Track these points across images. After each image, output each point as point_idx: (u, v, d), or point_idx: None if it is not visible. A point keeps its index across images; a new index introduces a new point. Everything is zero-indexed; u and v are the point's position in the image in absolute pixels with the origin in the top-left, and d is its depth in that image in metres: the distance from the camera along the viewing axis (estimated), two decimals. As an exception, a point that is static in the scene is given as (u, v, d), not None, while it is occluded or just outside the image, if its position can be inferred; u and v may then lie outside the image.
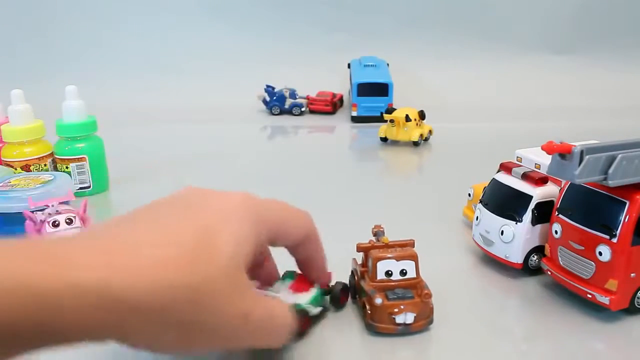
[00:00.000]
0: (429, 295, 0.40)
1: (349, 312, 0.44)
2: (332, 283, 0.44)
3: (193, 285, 0.28)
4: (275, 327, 0.34)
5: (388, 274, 0.41)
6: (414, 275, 0.41)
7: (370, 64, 1.18)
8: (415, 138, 0.92)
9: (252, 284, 0.34)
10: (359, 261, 0.45)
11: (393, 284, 0.41)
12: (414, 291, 0.41)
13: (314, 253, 0.41)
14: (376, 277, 0.41)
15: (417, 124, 0.93)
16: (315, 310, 0.41)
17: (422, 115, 0.94)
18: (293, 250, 0.41)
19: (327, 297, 0.44)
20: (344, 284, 0.45)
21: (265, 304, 0.33)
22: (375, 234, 0.45)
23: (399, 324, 0.40)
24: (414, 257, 0.41)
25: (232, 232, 0.32)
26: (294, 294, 0.40)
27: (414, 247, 0.43)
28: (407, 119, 0.91)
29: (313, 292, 0.41)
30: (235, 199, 0.34)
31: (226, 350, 0.38)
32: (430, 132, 0.96)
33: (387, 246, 0.42)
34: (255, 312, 0.32)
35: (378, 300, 0.40)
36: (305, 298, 0.40)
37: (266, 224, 0.35)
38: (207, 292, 0.29)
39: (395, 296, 0.40)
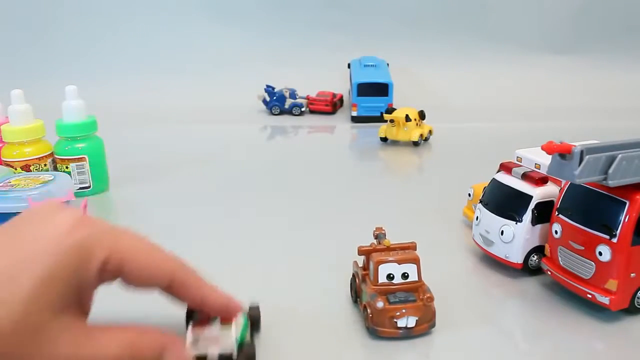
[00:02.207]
0: (431, 299, 0.40)
1: (350, 315, 0.44)
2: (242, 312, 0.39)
3: None
4: None
5: (390, 277, 0.41)
6: (416, 279, 0.41)
7: (370, 64, 1.18)
8: (415, 138, 0.92)
9: (70, 322, 0.30)
10: (360, 264, 0.45)
11: (395, 287, 0.41)
12: (416, 294, 0.41)
13: (196, 293, 0.36)
14: (378, 281, 0.41)
15: (417, 124, 0.93)
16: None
17: (422, 115, 0.94)
18: (172, 294, 0.35)
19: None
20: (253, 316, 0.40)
21: (95, 341, 0.30)
22: (376, 237, 0.45)
23: (401, 328, 0.40)
24: (416, 260, 0.41)
25: (37, 270, 0.28)
26: (222, 330, 0.37)
27: (415, 250, 0.42)
28: (407, 119, 0.91)
29: (240, 321, 0.38)
30: (61, 223, 0.31)
31: None
32: (430, 132, 0.96)
33: (389, 249, 0.42)
34: (77, 354, 0.29)
35: (379, 304, 0.40)
36: (235, 331, 0.37)
37: (103, 251, 0.31)
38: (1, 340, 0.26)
39: (397, 300, 0.40)
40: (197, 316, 0.38)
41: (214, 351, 0.35)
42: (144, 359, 0.31)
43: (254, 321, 0.40)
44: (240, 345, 0.37)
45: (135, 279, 0.33)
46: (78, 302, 0.31)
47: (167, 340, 0.32)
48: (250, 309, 0.41)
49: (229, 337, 0.36)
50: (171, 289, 0.35)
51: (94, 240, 0.31)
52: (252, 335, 0.40)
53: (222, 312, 0.37)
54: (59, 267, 0.29)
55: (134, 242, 0.33)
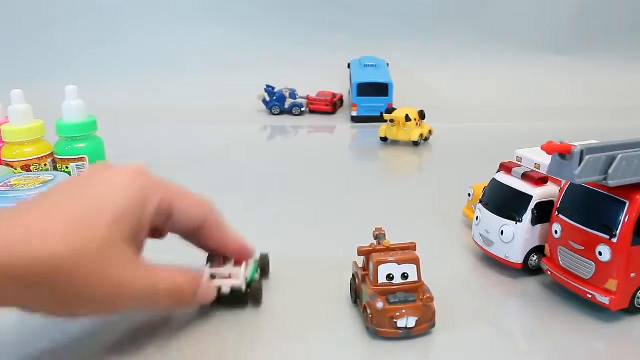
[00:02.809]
0: (431, 299, 0.40)
1: (350, 316, 0.44)
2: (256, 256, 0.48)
3: (67, 255, 0.31)
4: (161, 296, 0.37)
5: (389, 277, 0.41)
6: (416, 279, 0.41)
7: (370, 64, 1.18)
8: (415, 138, 0.92)
9: (136, 254, 0.36)
10: (360, 264, 0.45)
11: (394, 287, 0.41)
12: (415, 295, 0.41)
13: (220, 235, 0.43)
14: (377, 281, 0.41)
15: (417, 124, 0.93)
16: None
17: (422, 115, 0.94)
18: (198, 236, 0.43)
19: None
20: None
21: (149, 273, 0.36)
22: (376, 237, 0.45)
23: (401, 328, 0.40)
24: (415, 261, 0.41)
25: (113, 205, 0.34)
26: (235, 270, 0.44)
27: (415, 250, 0.42)
28: (407, 119, 0.91)
29: (251, 264, 0.46)
30: (123, 172, 0.37)
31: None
32: (430, 132, 0.96)
33: (389, 249, 0.42)
34: (136, 282, 0.35)
35: (379, 305, 0.40)
36: (246, 271, 0.45)
37: (158, 194, 0.38)
38: (83, 262, 0.32)
39: (397, 300, 0.40)
40: (215, 259, 0.46)
41: (227, 285, 0.43)
42: (184, 292, 0.38)
43: (263, 267, 0.49)
44: (250, 284, 0.45)
45: (180, 219, 0.40)
46: (139, 238, 0.37)
47: (197, 275, 0.40)
48: (261, 256, 0.49)
49: (240, 275, 0.44)
50: (202, 229, 0.42)
51: (152, 185, 0.38)
52: (260, 278, 0.48)
53: (239, 254, 0.45)
54: (128, 206, 0.35)
55: (179, 189, 0.40)
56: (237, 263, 0.45)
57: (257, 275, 0.47)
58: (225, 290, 0.43)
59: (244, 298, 0.44)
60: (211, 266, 0.45)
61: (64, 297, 0.32)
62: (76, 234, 0.32)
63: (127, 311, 0.37)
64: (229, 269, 0.44)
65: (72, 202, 0.34)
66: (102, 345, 0.40)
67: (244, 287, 0.44)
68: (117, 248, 0.34)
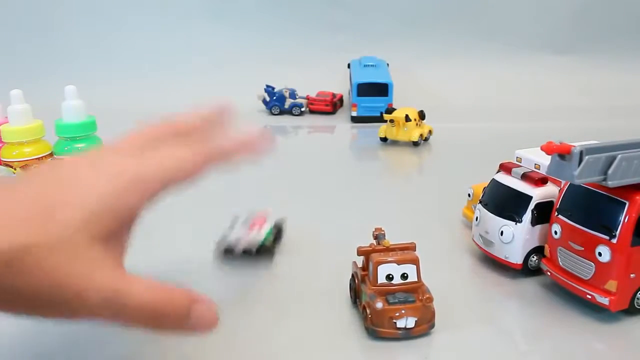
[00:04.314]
0: (431, 300, 0.40)
1: (350, 316, 0.44)
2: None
3: (24, 246, 0.28)
4: (131, 311, 0.30)
5: (389, 277, 0.41)
6: (416, 279, 0.41)
7: (370, 64, 1.18)
8: (415, 138, 0.92)
9: (107, 256, 0.30)
10: (360, 264, 0.45)
11: (394, 288, 0.41)
12: (415, 295, 0.41)
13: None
14: (377, 281, 0.41)
15: (417, 124, 0.93)
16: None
17: (422, 115, 0.94)
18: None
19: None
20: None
21: (120, 281, 0.30)
22: (376, 237, 0.45)
23: (400, 329, 0.40)
24: (415, 261, 0.41)
25: (90, 198, 0.30)
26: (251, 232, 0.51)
27: (415, 250, 0.42)
28: (407, 119, 0.91)
29: (266, 227, 0.53)
30: (114, 163, 0.33)
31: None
32: (430, 132, 0.96)
33: (388, 249, 0.42)
34: (101, 288, 0.29)
35: (379, 305, 0.40)
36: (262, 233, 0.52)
37: (153, 187, 0.33)
38: (40, 256, 0.28)
39: (396, 300, 0.40)
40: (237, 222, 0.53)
41: (239, 246, 0.49)
42: (171, 311, 0.31)
43: (278, 231, 0.54)
44: (262, 245, 0.50)
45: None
46: (118, 239, 0.32)
47: (196, 296, 0.33)
48: (276, 223, 0.54)
49: (253, 238, 0.50)
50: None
51: (145, 174, 0.33)
52: (274, 242, 0.53)
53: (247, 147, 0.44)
54: (113, 198, 0.31)
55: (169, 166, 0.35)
56: (257, 224, 0.52)
57: (270, 239, 0.52)
58: (237, 252, 0.50)
59: (260, 253, 0.50)
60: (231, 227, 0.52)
61: (15, 293, 0.28)
62: (38, 225, 0.28)
63: (92, 320, 0.31)
64: (244, 232, 0.51)
65: (46, 189, 0.30)
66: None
67: (254, 250, 0.50)
68: (83, 246, 0.29)
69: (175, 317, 0.32)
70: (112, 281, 0.30)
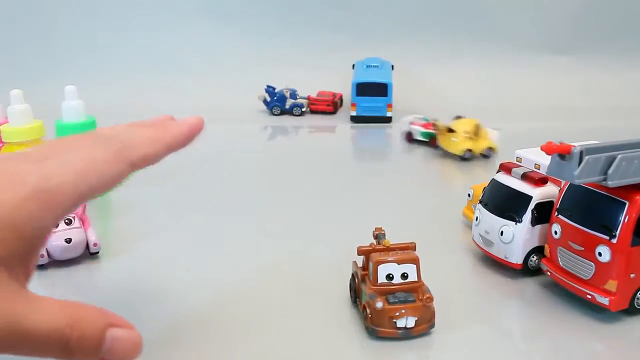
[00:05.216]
0: (431, 299, 0.40)
1: (350, 316, 0.44)
2: None
3: None
4: (30, 340, 0.25)
5: (389, 277, 0.41)
6: (416, 279, 0.41)
7: (373, 64, 1.18)
8: (459, 152, 0.84)
9: (4, 280, 0.26)
10: (360, 264, 0.45)
11: (394, 287, 0.41)
12: (415, 295, 0.41)
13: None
14: (377, 281, 0.41)
15: (470, 137, 0.85)
16: None
17: (477, 129, 0.86)
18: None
19: None
20: None
21: (22, 305, 0.26)
22: (376, 237, 0.45)
23: (400, 328, 0.40)
24: (415, 261, 0.41)
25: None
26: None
27: (415, 250, 0.42)
28: (449, 130, 0.85)
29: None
30: (16, 170, 0.27)
31: None
32: (491, 149, 0.86)
33: (388, 249, 0.42)
34: None
35: (379, 304, 0.40)
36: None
37: (51, 201, 0.27)
38: None
39: (396, 300, 0.40)
40: None
41: None
42: (83, 334, 0.26)
43: None
44: None
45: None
46: (25, 257, 0.27)
47: (113, 318, 0.28)
48: None
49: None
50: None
51: (49, 182, 0.27)
52: None
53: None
54: (9, 219, 0.26)
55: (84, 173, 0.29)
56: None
57: None
58: None
59: None
60: None
61: None
62: None
63: None
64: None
65: None
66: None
67: None
68: None
69: (86, 344, 0.27)
70: (10, 306, 0.25)
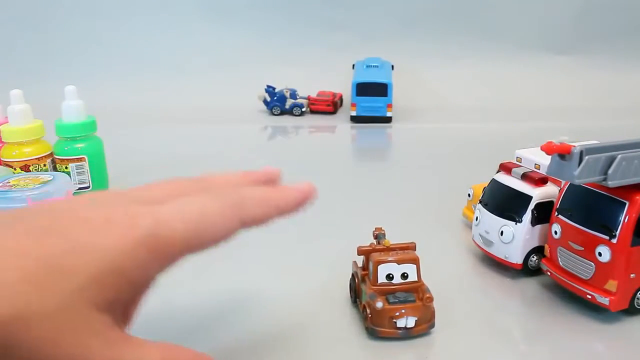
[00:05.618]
0: (431, 299, 0.40)
1: (350, 316, 0.44)
2: None
3: (16, 315, 0.23)
4: None
5: (389, 277, 0.41)
6: (416, 279, 0.41)
7: (373, 64, 1.18)
8: None
9: (109, 325, 0.26)
10: (360, 264, 0.45)
11: (394, 287, 0.41)
12: (415, 295, 0.41)
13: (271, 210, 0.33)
14: (377, 281, 0.41)
15: None
16: None
17: None
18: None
19: None
20: None
21: (127, 350, 0.26)
22: (376, 237, 0.45)
23: (400, 328, 0.40)
24: (415, 261, 0.41)
25: (93, 260, 0.25)
26: None
27: (415, 250, 0.42)
28: None
29: None
30: (116, 220, 0.27)
31: None
32: None
33: (388, 249, 0.42)
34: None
35: (379, 304, 0.40)
36: None
37: (162, 250, 0.27)
38: (33, 327, 0.24)
39: (397, 300, 0.40)
40: None
41: None
42: None
43: None
44: None
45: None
46: (124, 307, 0.28)
47: (204, 358, 0.29)
48: None
49: None
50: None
51: (162, 229, 0.27)
52: None
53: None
54: (120, 259, 0.26)
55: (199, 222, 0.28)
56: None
57: None
58: None
59: None
60: None
61: None
62: (32, 291, 0.24)
63: None
64: None
65: (40, 243, 0.25)
66: None
67: None
68: (82, 314, 0.25)
69: None
70: (116, 351, 0.26)
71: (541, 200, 0.47)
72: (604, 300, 0.41)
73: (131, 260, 0.26)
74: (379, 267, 0.41)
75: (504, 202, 0.49)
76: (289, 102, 1.16)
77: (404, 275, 0.41)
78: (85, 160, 0.69)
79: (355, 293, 0.44)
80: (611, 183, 0.39)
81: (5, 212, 0.28)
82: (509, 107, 1.21)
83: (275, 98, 1.17)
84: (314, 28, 1.35)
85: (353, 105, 1.10)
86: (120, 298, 0.27)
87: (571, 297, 0.45)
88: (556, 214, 0.45)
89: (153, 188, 0.31)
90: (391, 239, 0.43)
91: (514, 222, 0.48)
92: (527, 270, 0.48)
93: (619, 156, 0.39)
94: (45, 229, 0.26)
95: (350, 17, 1.35)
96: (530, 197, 0.47)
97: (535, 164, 0.50)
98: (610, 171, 0.39)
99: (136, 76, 1.28)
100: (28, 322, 0.24)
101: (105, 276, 0.25)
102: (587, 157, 0.38)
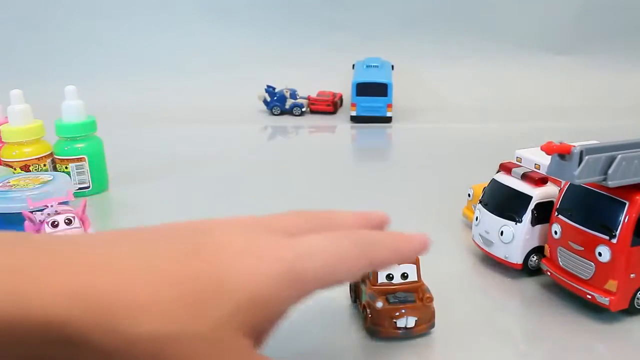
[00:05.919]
0: (431, 299, 0.40)
1: (350, 316, 0.44)
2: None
3: (172, 336, 0.25)
4: None
5: (389, 277, 0.41)
6: (416, 279, 0.41)
7: (373, 64, 1.18)
8: None
9: (252, 349, 0.28)
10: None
11: (394, 287, 0.41)
12: (415, 295, 0.41)
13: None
14: (377, 281, 0.41)
15: None
16: None
17: None
18: None
19: None
20: None
21: None
22: (375, 236, 0.45)
23: (400, 328, 0.40)
24: (415, 261, 0.41)
25: (240, 293, 0.26)
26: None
27: None
28: None
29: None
30: (264, 252, 0.28)
31: None
32: None
33: None
34: None
35: (379, 304, 0.40)
36: None
37: (300, 287, 0.28)
38: (186, 347, 0.25)
39: (397, 300, 0.40)
40: None
41: None
42: None
43: None
44: None
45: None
46: (262, 331, 0.29)
47: None
48: None
49: None
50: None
51: (303, 266, 0.28)
52: None
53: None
54: (266, 291, 0.27)
55: (330, 262, 0.29)
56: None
57: None
58: None
59: None
60: None
61: None
62: (187, 311, 0.25)
63: None
64: None
65: (188, 267, 0.26)
66: None
67: None
68: (228, 338, 0.26)
69: None
70: None
71: (541, 200, 0.47)
72: (604, 300, 0.41)
73: (275, 292, 0.27)
74: (379, 267, 0.41)
75: (504, 202, 0.49)
76: (289, 102, 1.16)
77: (404, 275, 0.41)
78: (85, 160, 0.69)
79: (355, 293, 0.44)
80: (611, 183, 0.39)
81: (137, 231, 0.30)
82: (509, 107, 1.21)
83: (275, 98, 1.17)
84: (314, 28, 1.35)
85: (353, 105, 1.10)
86: (257, 328, 0.28)
87: (571, 297, 0.45)
88: (556, 214, 0.45)
89: (284, 219, 0.32)
90: (391, 239, 0.43)
91: (514, 222, 0.48)
92: (527, 270, 0.48)
93: (619, 156, 0.39)
94: (190, 253, 0.27)
95: (350, 17, 1.35)
96: (530, 197, 0.47)
97: (535, 164, 0.50)
98: (610, 171, 0.39)
99: (136, 76, 1.28)
100: (181, 342, 0.25)
101: (251, 305, 0.26)
102: (587, 157, 0.38)
